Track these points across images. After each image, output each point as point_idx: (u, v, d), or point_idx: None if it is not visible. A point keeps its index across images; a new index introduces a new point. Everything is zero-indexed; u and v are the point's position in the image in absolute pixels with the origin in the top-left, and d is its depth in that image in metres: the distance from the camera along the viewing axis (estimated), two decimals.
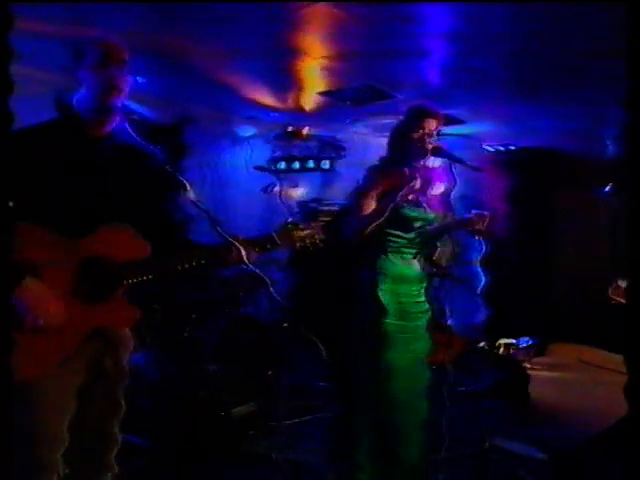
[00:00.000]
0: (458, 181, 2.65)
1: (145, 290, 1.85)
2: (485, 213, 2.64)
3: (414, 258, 2.71)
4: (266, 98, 4.58)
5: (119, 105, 1.81)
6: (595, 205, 6.37)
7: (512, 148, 6.20)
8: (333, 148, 5.74)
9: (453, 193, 2.72)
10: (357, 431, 2.66)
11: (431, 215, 2.73)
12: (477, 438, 3.35)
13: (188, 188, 1.81)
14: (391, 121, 2.90)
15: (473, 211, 2.68)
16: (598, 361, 5.28)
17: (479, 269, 3.01)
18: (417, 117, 2.64)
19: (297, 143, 5.60)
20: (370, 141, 5.68)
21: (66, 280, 1.72)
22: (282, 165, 5.77)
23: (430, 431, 2.74)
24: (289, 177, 5.85)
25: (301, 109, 4.83)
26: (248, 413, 3.53)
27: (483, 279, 3.06)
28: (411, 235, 2.67)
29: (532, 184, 6.23)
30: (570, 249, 6.42)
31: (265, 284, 1.87)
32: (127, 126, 1.87)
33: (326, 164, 5.69)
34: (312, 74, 3.96)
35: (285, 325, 3.18)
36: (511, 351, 5.23)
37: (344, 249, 2.66)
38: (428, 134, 2.61)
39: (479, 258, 2.94)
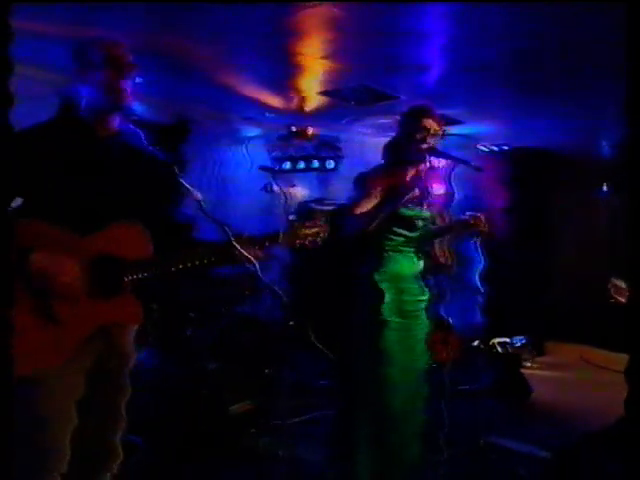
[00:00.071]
0: (458, 182, 2.66)
1: (144, 289, 1.86)
2: (479, 215, 2.65)
3: (415, 256, 2.72)
4: (267, 98, 4.58)
5: (125, 106, 1.83)
6: (594, 205, 6.40)
7: (509, 148, 6.21)
8: (334, 148, 5.74)
9: (453, 196, 2.74)
10: (357, 429, 2.67)
11: (427, 214, 2.74)
12: (476, 437, 3.36)
13: (192, 188, 1.82)
14: (391, 121, 2.91)
15: (467, 213, 2.69)
16: (598, 360, 5.30)
17: (478, 276, 3.03)
18: (417, 117, 2.65)
19: (301, 143, 5.60)
20: (370, 141, 5.69)
21: None
22: (287, 165, 5.78)
23: (429, 430, 2.75)
24: (288, 177, 5.86)
25: (301, 109, 4.83)
26: (245, 411, 3.54)
27: (482, 286, 3.08)
28: (412, 233, 2.68)
29: (531, 184, 6.25)
30: (569, 249, 6.44)
31: (267, 283, 1.88)
32: (132, 126, 1.90)
33: (331, 164, 5.69)
34: (312, 74, 3.96)
35: (291, 323, 3.19)
36: (509, 350, 5.24)
37: (345, 246, 2.67)
38: (427, 135, 2.62)
39: (479, 265, 2.96)
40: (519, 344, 5.49)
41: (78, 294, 1.70)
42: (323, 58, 3.60)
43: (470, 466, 3.19)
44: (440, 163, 2.83)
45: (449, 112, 4.65)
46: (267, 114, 5.07)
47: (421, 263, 2.75)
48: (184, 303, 4.04)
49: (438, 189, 2.89)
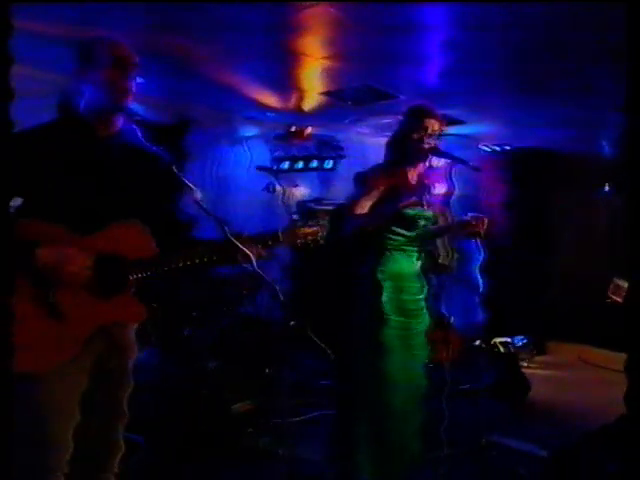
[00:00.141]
0: (458, 182, 2.67)
1: (145, 289, 1.87)
2: (482, 216, 2.65)
3: (415, 255, 2.73)
4: (266, 98, 4.59)
5: (127, 106, 1.83)
6: (594, 205, 6.40)
7: (509, 148, 6.21)
8: (334, 148, 5.75)
9: (453, 193, 2.74)
10: (357, 428, 2.67)
11: (429, 213, 2.74)
12: (477, 436, 3.35)
13: (193, 187, 1.83)
14: (391, 121, 2.91)
15: (470, 214, 2.69)
16: (597, 360, 5.31)
17: (478, 269, 3.03)
18: (418, 117, 2.65)
19: (300, 143, 5.61)
20: (370, 141, 5.69)
21: None
22: (286, 165, 5.78)
23: (430, 429, 2.75)
24: (289, 177, 5.86)
25: (301, 109, 4.84)
26: (245, 411, 3.54)
27: (482, 280, 3.09)
28: (413, 233, 2.68)
29: (531, 183, 6.25)
30: (569, 249, 6.44)
31: (267, 282, 1.88)
32: (134, 126, 1.89)
33: (329, 164, 5.70)
34: (312, 74, 3.96)
35: (292, 323, 3.19)
36: (510, 349, 5.25)
37: (345, 246, 2.67)
38: (429, 134, 2.62)
39: (479, 259, 2.96)
40: (520, 344, 5.50)
41: (83, 284, 1.71)
42: (324, 58, 3.61)
43: (471, 465, 3.19)
44: (440, 162, 2.83)
45: (450, 112, 4.65)
46: (268, 114, 5.07)
47: (421, 262, 2.76)
48: (184, 303, 4.04)
49: (439, 188, 2.89)
